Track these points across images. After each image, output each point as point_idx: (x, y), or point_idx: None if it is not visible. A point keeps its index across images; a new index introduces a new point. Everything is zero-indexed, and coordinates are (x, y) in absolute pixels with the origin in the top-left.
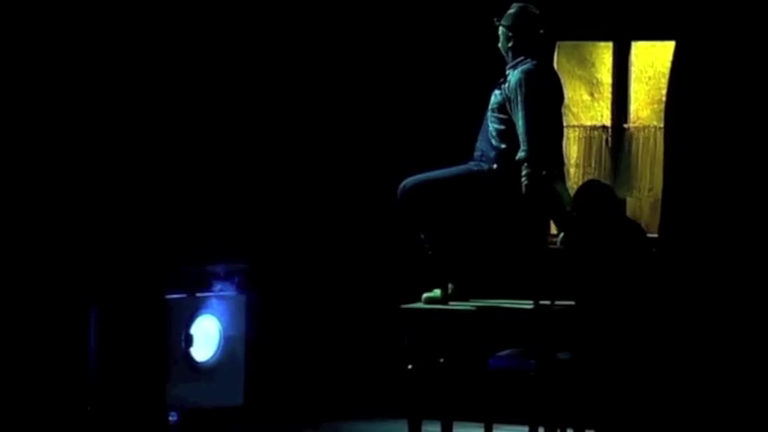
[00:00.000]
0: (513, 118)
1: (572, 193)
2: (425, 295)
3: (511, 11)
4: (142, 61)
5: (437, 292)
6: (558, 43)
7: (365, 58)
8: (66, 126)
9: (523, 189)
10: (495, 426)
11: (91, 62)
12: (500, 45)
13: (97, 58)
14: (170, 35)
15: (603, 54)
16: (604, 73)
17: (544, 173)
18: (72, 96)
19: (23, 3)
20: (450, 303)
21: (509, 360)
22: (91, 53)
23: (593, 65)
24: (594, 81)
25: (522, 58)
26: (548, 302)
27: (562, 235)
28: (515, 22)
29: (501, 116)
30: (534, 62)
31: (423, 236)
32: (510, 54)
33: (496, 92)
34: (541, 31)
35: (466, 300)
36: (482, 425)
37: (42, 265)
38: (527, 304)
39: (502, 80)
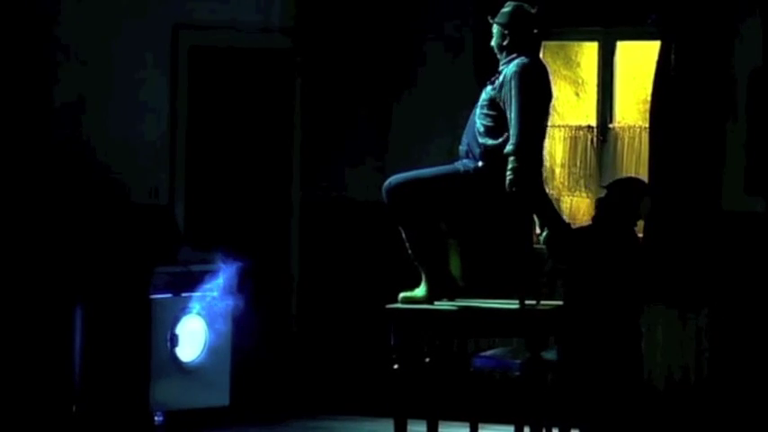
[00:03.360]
0: (506, 111)
1: (551, 194)
2: (403, 295)
3: (506, 9)
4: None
5: (415, 292)
6: (543, 43)
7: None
8: (52, 125)
9: (508, 184)
10: (480, 425)
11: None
12: (493, 43)
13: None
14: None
15: (589, 54)
16: (590, 73)
17: (531, 167)
18: (53, 96)
19: None
20: (436, 303)
21: (494, 360)
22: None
23: (578, 65)
24: (580, 81)
25: (515, 55)
26: (533, 302)
27: (546, 233)
28: (511, 21)
29: (490, 112)
30: (530, 58)
31: (404, 235)
32: (504, 52)
33: (488, 88)
34: (535, 31)
35: (451, 299)
36: (468, 424)
37: (27, 265)
38: (512, 304)
39: (495, 76)
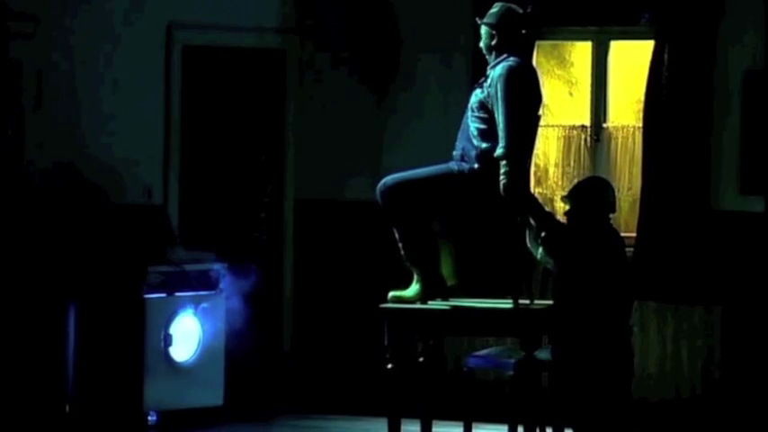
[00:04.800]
0: (494, 114)
1: (545, 194)
2: (392, 294)
3: (494, 10)
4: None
5: (405, 291)
6: (537, 43)
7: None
8: (44, 125)
9: (502, 187)
10: (474, 425)
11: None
12: (482, 44)
13: None
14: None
15: (582, 54)
16: (583, 72)
17: (522, 169)
18: (47, 97)
19: None
20: (430, 303)
21: (488, 359)
22: None
23: (572, 64)
24: (573, 80)
25: (504, 56)
26: (527, 302)
27: (543, 235)
28: (499, 22)
29: (482, 115)
30: (517, 59)
31: (397, 235)
32: (492, 53)
33: (477, 91)
34: (524, 32)
35: (444, 299)
36: (461, 424)
37: (20, 264)
38: (506, 304)
39: (483, 79)
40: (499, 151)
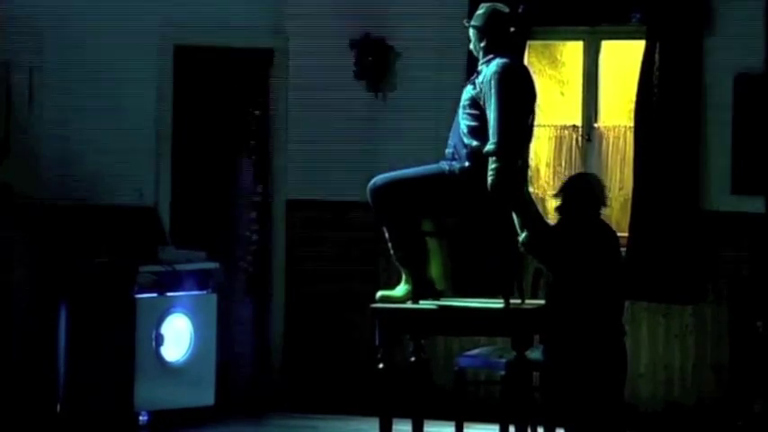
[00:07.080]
0: (486, 111)
1: (536, 193)
2: (381, 293)
3: (480, 11)
4: None
5: (394, 291)
6: (528, 43)
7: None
8: (37, 124)
9: (489, 183)
10: (465, 424)
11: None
12: (472, 46)
13: None
14: None
15: (574, 54)
16: (575, 72)
17: (512, 167)
18: (39, 96)
19: None
20: (421, 303)
21: (479, 359)
22: None
23: (563, 64)
24: (565, 80)
25: (493, 55)
26: (518, 301)
27: (524, 234)
28: (486, 22)
29: (473, 112)
30: (509, 58)
31: (387, 235)
32: (482, 54)
33: (469, 87)
34: (512, 29)
35: (435, 299)
36: (452, 423)
37: (11, 263)
38: (497, 303)
39: (475, 75)
40: (489, 147)
